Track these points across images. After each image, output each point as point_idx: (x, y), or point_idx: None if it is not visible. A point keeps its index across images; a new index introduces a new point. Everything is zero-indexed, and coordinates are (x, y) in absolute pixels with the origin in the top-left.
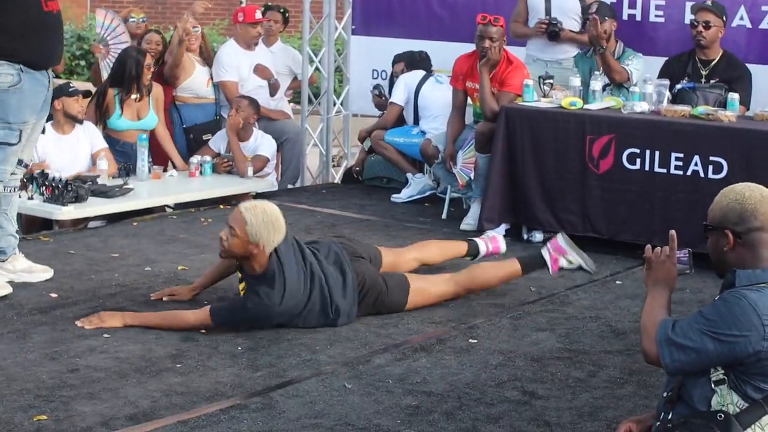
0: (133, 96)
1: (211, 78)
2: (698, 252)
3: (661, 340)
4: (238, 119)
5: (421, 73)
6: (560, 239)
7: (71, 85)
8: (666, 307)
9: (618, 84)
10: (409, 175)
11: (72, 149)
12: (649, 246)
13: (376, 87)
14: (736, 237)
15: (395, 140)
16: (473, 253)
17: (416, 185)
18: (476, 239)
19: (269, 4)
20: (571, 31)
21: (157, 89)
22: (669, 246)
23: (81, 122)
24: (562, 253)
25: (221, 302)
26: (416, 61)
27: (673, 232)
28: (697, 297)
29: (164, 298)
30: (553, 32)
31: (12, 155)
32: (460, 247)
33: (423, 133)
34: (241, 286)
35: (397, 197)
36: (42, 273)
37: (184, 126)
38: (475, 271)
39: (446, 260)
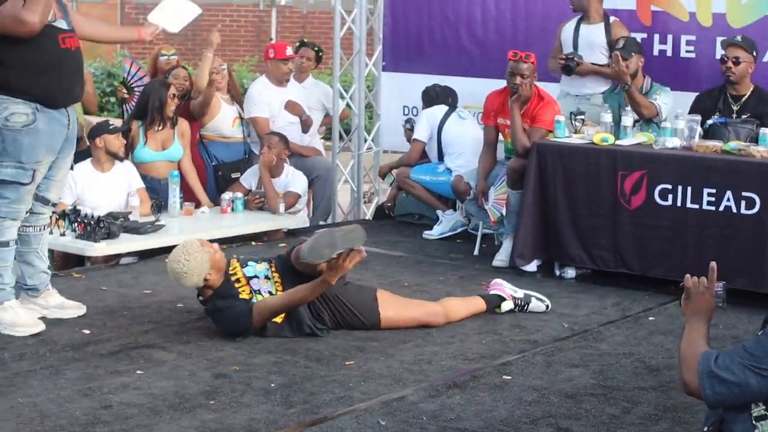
0: (156, 127)
1: (240, 117)
2: (731, 288)
3: (704, 373)
4: (272, 156)
5: (443, 108)
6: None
7: (110, 122)
8: (706, 339)
9: (647, 119)
10: (439, 212)
11: (109, 187)
12: (688, 275)
13: (408, 121)
14: None
15: (422, 178)
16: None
17: (447, 222)
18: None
19: (304, 40)
20: (594, 64)
21: (183, 123)
22: (708, 277)
23: (122, 160)
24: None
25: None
26: (432, 97)
27: (713, 263)
28: (731, 333)
29: None
30: (567, 67)
31: (26, 194)
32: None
33: (449, 170)
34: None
35: (428, 234)
36: (75, 309)
37: (213, 164)
38: (449, 305)
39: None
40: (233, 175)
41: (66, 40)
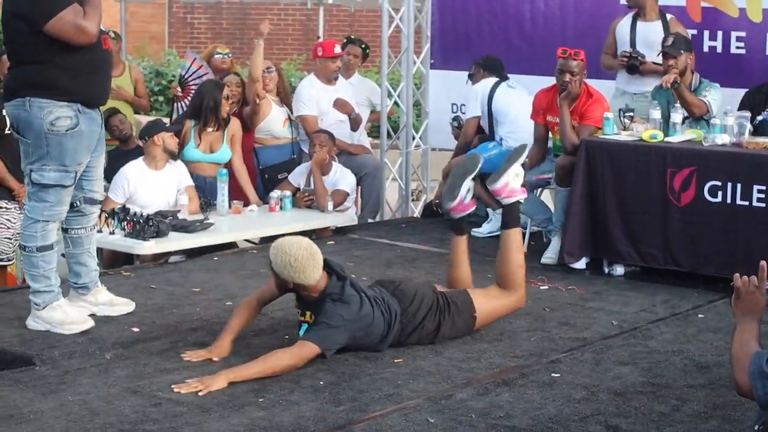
0: (210, 128)
1: (289, 118)
2: None
3: (755, 373)
4: (325, 155)
5: (491, 80)
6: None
7: (164, 121)
8: (757, 338)
9: (698, 117)
10: (490, 210)
11: (162, 185)
12: (737, 274)
13: (456, 119)
14: None
15: None
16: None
17: (497, 221)
18: None
19: (351, 37)
20: (654, 63)
21: (235, 124)
22: (759, 276)
23: (176, 158)
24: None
25: (309, 332)
26: (479, 71)
27: (763, 262)
28: None
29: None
30: (632, 66)
31: (66, 196)
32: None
33: (500, 142)
34: (304, 317)
35: (477, 231)
36: (123, 306)
37: (260, 167)
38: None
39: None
40: (279, 176)
41: (105, 41)
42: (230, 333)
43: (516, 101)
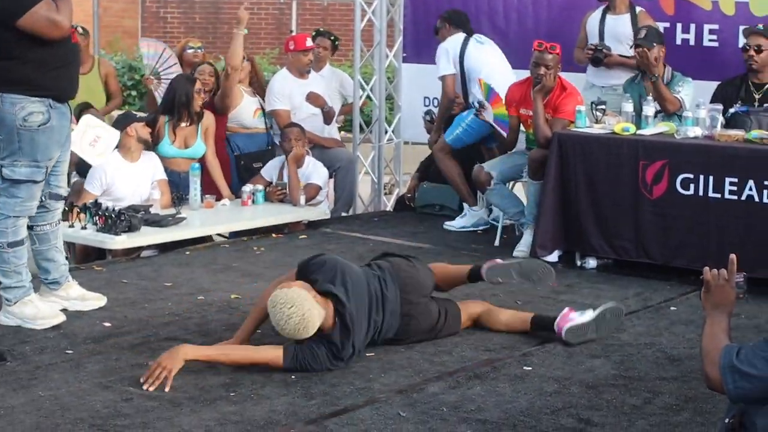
0: (183, 123)
1: (261, 108)
2: (754, 277)
3: (725, 367)
4: (303, 150)
5: (460, 36)
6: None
7: (135, 114)
8: (727, 332)
9: (671, 113)
10: (466, 206)
11: (138, 177)
12: (707, 268)
13: (428, 113)
14: None
15: (456, 134)
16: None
17: (471, 217)
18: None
19: (319, 29)
20: (621, 56)
21: (209, 118)
22: (728, 269)
23: (150, 148)
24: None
25: (290, 349)
26: (458, 18)
27: (733, 255)
28: (753, 323)
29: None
30: (595, 59)
31: (37, 191)
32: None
33: (473, 104)
34: None
35: (450, 225)
36: (95, 301)
37: (235, 154)
38: (495, 316)
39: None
40: (255, 165)
41: (74, 35)
42: (243, 334)
43: (487, 58)
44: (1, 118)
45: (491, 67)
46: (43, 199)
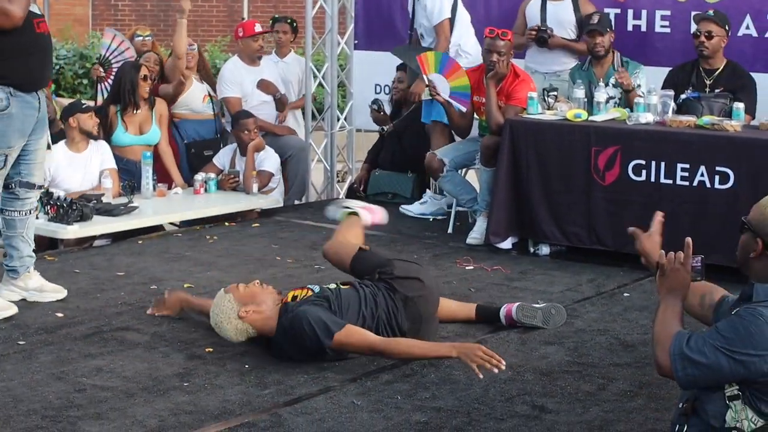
0: (132, 110)
1: (209, 95)
2: (709, 263)
3: (675, 354)
4: (261, 140)
5: None
6: (514, 312)
7: (82, 102)
8: (679, 318)
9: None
10: (428, 193)
11: (84, 168)
12: (662, 251)
13: (375, 102)
14: (765, 248)
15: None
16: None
17: (432, 205)
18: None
19: (276, 16)
20: (563, 38)
21: (162, 104)
22: (684, 253)
23: (96, 138)
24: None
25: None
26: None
27: (688, 239)
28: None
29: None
30: (541, 38)
31: None
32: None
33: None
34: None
35: (406, 209)
36: (53, 293)
37: (186, 142)
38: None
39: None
40: (206, 153)
41: (40, 24)
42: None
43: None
44: None
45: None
46: (13, 186)
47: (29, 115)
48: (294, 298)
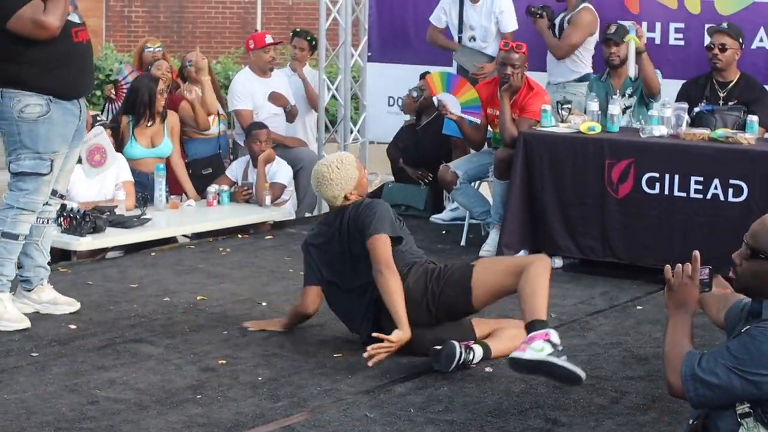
0: (146, 123)
1: (217, 113)
2: (723, 276)
3: (687, 375)
4: (272, 152)
5: None
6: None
7: (99, 117)
8: (689, 336)
9: (650, 95)
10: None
11: (100, 180)
12: (668, 266)
13: (417, 89)
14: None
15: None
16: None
17: (463, 210)
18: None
19: (296, 30)
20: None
21: (173, 117)
22: (692, 267)
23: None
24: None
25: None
26: None
27: (696, 252)
28: None
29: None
30: (532, 12)
31: (44, 185)
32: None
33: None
34: None
35: (438, 218)
36: (66, 306)
37: (186, 161)
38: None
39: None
40: (204, 171)
41: (78, 33)
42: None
43: None
44: (2, 112)
45: None
46: None
47: (70, 122)
48: None
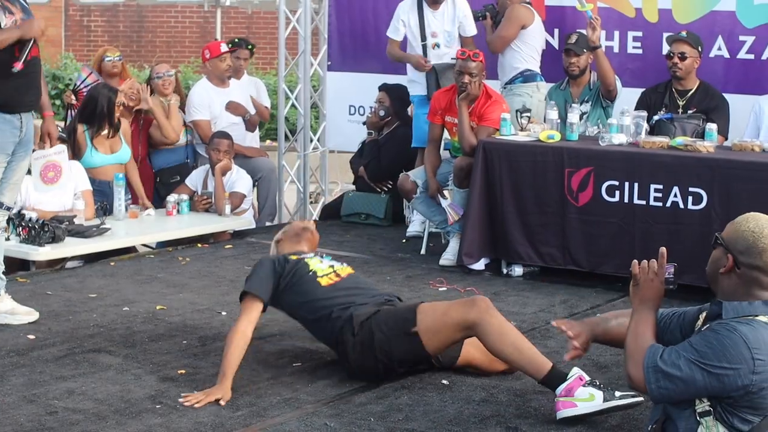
0: (104, 132)
1: (184, 123)
2: (682, 283)
3: (649, 367)
4: (230, 162)
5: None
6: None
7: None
8: (653, 330)
9: (606, 95)
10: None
11: (58, 190)
12: (635, 261)
13: (383, 107)
14: (736, 265)
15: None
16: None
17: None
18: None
19: (235, 39)
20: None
21: (125, 123)
22: (658, 263)
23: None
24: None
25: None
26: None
27: (663, 249)
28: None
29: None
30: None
31: None
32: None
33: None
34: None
35: (413, 231)
36: (25, 316)
37: (154, 170)
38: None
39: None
40: (172, 180)
41: (33, 48)
42: (231, 372)
43: None
44: None
45: None
46: None
47: (9, 133)
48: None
